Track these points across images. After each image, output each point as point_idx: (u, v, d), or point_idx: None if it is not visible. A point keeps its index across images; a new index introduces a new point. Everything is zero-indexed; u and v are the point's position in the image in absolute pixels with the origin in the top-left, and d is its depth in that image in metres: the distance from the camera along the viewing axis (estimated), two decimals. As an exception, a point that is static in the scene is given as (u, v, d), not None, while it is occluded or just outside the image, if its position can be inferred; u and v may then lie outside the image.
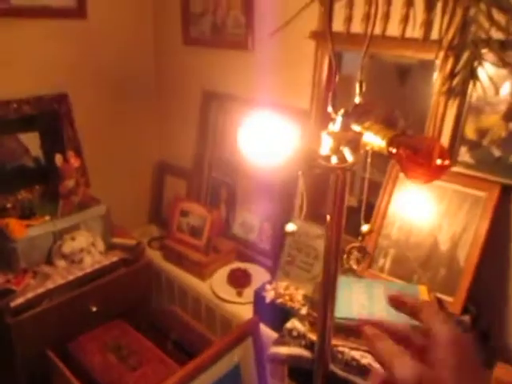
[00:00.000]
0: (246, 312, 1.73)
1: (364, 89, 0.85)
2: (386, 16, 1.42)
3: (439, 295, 1.37)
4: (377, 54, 1.57)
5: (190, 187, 2.27)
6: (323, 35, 1.58)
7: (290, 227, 0.91)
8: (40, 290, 1.61)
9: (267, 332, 1.60)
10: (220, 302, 1.83)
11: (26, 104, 1.85)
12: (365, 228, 1.00)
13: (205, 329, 1.85)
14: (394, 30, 1.35)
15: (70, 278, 1.68)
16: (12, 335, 1.53)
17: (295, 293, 1.61)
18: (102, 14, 2.05)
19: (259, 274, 1.90)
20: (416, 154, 0.82)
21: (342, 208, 0.82)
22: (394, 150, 0.83)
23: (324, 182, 0.90)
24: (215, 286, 1.88)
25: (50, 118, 1.93)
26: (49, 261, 1.73)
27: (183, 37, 2.18)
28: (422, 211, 1.47)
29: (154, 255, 2.10)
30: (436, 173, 0.83)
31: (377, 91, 1.60)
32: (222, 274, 1.95)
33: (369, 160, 0.94)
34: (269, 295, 1.61)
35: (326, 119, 0.81)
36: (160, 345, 1.67)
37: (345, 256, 1.07)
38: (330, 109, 0.82)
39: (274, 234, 1.96)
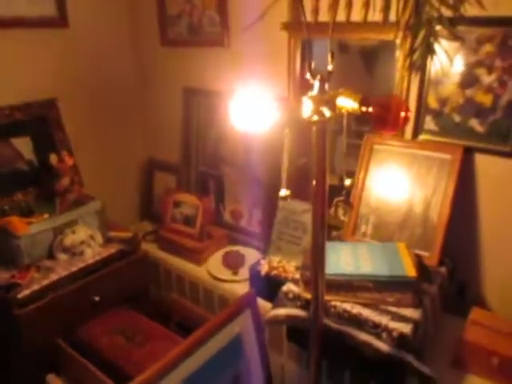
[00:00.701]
0: (242, 289, 1.84)
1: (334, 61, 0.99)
2: (349, 4, 1.58)
3: (417, 251, 1.51)
4: (344, 41, 1.72)
5: (180, 181, 2.38)
6: (294, 25, 1.73)
7: (283, 192, 1.04)
8: (45, 282, 1.69)
9: (263, 304, 1.71)
10: (217, 283, 1.94)
11: (17, 110, 1.94)
12: (347, 182, 1.15)
13: (204, 310, 1.96)
14: (357, 15, 1.52)
15: (73, 269, 1.77)
16: (20, 326, 1.61)
17: (288, 265, 1.73)
18: (83, 22, 2.16)
19: (252, 255, 2.02)
20: (384, 109, 0.97)
21: (324, 156, 0.95)
22: (365, 109, 0.98)
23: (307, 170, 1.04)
24: (211, 268, 1.99)
25: (40, 122, 2.02)
26: (50, 255, 1.81)
27: (161, 38, 2.30)
28: (395, 179, 1.61)
29: (150, 247, 2.20)
30: (401, 123, 0.98)
31: (347, 76, 1.76)
32: (216, 257, 2.06)
33: (345, 122, 1.08)
34: (263, 269, 1.73)
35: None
36: (164, 325, 1.76)
37: (333, 209, 1.20)
38: (308, 75, 0.96)
39: (264, 215, 2.07)
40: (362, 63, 1.81)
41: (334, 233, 1.73)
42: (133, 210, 2.61)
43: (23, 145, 1.98)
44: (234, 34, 2.02)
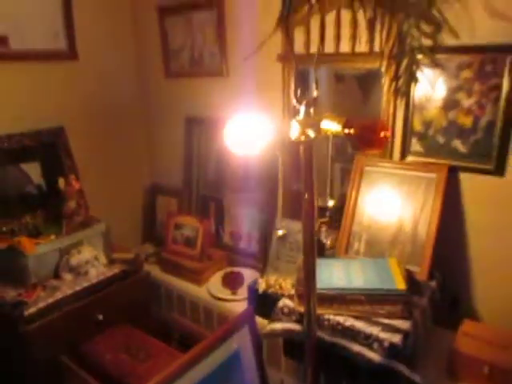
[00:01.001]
0: (241, 308, 1.88)
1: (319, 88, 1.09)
2: (338, 36, 1.70)
3: (408, 266, 1.57)
4: (340, 70, 1.83)
5: (181, 204, 2.47)
6: (287, 57, 1.85)
7: (280, 232, 1.12)
8: (50, 300, 1.76)
9: (261, 321, 1.77)
10: (217, 302, 1.99)
11: (27, 137, 2.05)
12: (330, 203, 1.23)
13: (204, 329, 2.01)
14: (346, 47, 1.64)
15: (78, 288, 1.84)
16: (26, 342, 1.67)
17: (284, 283, 1.79)
18: (91, 55, 2.30)
19: (251, 275, 2.08)
20: (364, 130, 1.07)
21: (311, 173, 1.04)
22: (347, 131, 1.07)
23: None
24: (211, 288, 2.05)
25: (49, 148, 2.13)
26: (56, 275, 1.89)
27: (165, 71, 2.45)
28: (385, 198, 1.69)
29: (152, 269, 2.26)
30: (381, 143, 1.07)
31: (344, 101, 1.87)
32: (216, 278, 2.12)
33: (330, 144, 1.18)
34: (261, 287, 1.79)
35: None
36: (165, 343, 1.81)
37: (316, 230, 1.28)
38: (294, 101, 1.06)
39: (261, 237, 2.15)
40: (358, 89, 1.92)
41: (329, 251, 1.79)
42: (136, 233, 2.69)
43: (32, 169, 2.08)
44: (232, 65, 2.16)
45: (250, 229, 2.25)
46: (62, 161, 2.16)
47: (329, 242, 1.23)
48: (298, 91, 1.08)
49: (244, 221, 2.27)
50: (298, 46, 1.84)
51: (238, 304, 1.94)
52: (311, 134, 1.02)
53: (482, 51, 1.47)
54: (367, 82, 1.83)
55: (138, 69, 2.58)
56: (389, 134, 1.00)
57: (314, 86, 1.09)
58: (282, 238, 1.89)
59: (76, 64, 2.23)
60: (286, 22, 1.84)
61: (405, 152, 1.70)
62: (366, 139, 1.06)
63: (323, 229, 1.26)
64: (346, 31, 1.65)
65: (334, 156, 1.96)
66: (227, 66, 2.16)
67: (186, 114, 2.44)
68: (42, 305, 1.73)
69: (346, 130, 1.04)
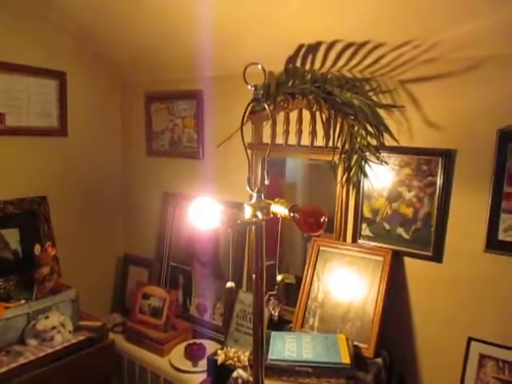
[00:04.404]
0: (201, 380, 1.94)
1: (269, 177, 1.28)
2: (299, 131, 1.95)
3: (356, 343, 1.69)
4: (302, 158, 2.06)
5: (152, 275, 2.56)
6: (256, 146, 2.08)
7: (229, 284, 1.27)
8: (12, 365, 1.78)
9: (219, 394, 1.82)
10: (178, 374, 2.03)
11: (10, 204, 2.18)
12: (279, 278, 1.37)
13: (163, 402, 2.02)
14: (305, 140, 1.89)
15: (41, 354, 1.87)
16: (-16, 409, 1.68)
17: (243, 355, 1.87)
18: (80, 132, 2.52)
19: (213, 347, 2.14)
20: (306, 215, 1.25)
21: (261, 252, 1.20)
22: (292, 214, 1.25)
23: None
24: (173, 360, 2.10)
25: (29, 216, 2.25)
26: (21, 341, 1.92)
27: (147, 149, 2.66)
28: (338, 276, 1.84)
29: (117, 338, 2.30)
30: (321, 226, 1.25)
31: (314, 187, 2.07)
32: (179, 349, 2.17)
33: (280, 225, 1.35)
34: (220, 358, 1.86)
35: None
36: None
37: (265, 302, 1.41)
38: (247, 188, 1.24)
39: (225, 310, 2.24)
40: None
41: (288, 325, 1.90)
42: (106, 302, 2.74)
43: (11, 235, 2.19)
44: (208, 149, 2.38)
45: (215, 301, 2.35)
46: (40, 228, 2.27)
47: (276, 314, 1.33)
48: (252, 179, 1.27)
49: (210, 293, 2.37)
50: (266, 138, 2.10)
51: (199, 376, 1.99)
52: (259, 215, 1.19)
53: (418, 153, 1.71)
54: (324, 173, 2.05)
55: (123, 146, 2.80)
56: (326, 219, 1.18)
57: (265, 175, 1.27)
58: (231, 290, 1.97)
59: (65, 140, 2.43)
60: (254, 118, 2.10)
61: (356, 235, 1.89)
62: (308, 223, 1.23)
63: (271, 301, 1.39)
64: (306, 127, 1.91)
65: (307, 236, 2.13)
66: (203, 150, 2.38)
67: (163, 189, 2.62)
68: (3, 370, 1.75)
69: (292, 214, 1.22)
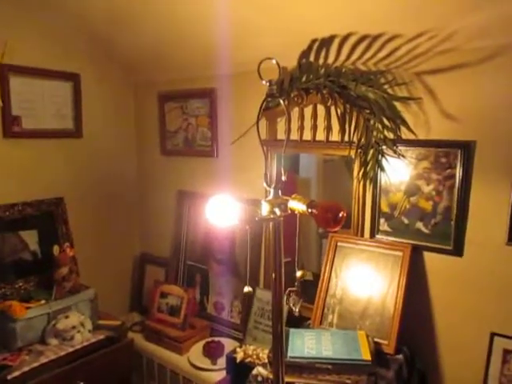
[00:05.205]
0: (220, 377, 1.94)
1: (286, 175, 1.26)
2: (314, 127, 1.94)
3: (377, 339, 1.66)
4: (315, 153, 2.05)
5: (168, 274, 2.57)
6: (270, 142, 2.07)
7: (246, 289, 1.26)
8: (34, 365, 1.81)
9: (239, 392, 1.81)
10: (197, 372, 2.04)
11: (29, 206, 2.21)
12: (298, 274, 1.36)
13: (183, 400, 2.03)
14: (320, 136, 1.87)
15: (62, 353, 1.89)
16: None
17: (262, 352, 1.86)
18: (95, 134, 2.54)
19: (232, 345, 2.14)
20: (325, 211, 1.23)
21: (280, 249, 1.19)
22: (310, 210, 1.24)
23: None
24: (192, 358, 2.11)
25: (47, 217, 2.28)
26: (42, 340, 1.95)
27: (161, 149, 2.67)
28: (357, 272, 1.82)
29: (136, 337, 2.32)
30: (339, 222, 1.23)
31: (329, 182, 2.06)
32: (198, 347, 2.18)
33: (298, 220, 1.34)
34: (238, 356, 1.86)
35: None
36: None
37: (285, 298, 1.40)
38: (264, 184, 1.23)
39: (243, 308, 2.24)
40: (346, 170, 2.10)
41: (307, 322, 1.89)
42: (124, 301, 2.76)
43: (30, 237, 2.22)
44: (222, 147, 2.38)
45: (232, 299, 2.35)
46: (58, 229, 2.30)
47: (297, 309, 1.33)
48: (268, 175, 1.25)
49: (228, 291, 2.37)
50: (280, 134, 2.09)
51: (218, 374, 1.99)
52: (277, 212, 1.18)
53: (436, 145, 1.68)
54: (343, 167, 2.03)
55: (137, 146, 2.82)
56: (345, 215, 1.16)
57: (282, 171, 1.26)
58: (248, 294, 1.98)
59: (80, 141, 2.45)
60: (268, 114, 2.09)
61: (374, 231, 1.86)
62: (327, 218, 1.22)
63: (291, 297, 1.38)
64: (321, 122, 1.90)
65: (322, 233, 2.12)
66: (217, 148, 2.38)
67: (178, 188, 2.63)
68: (25, 369, 1.78)
69: (310, 210, 1.20)
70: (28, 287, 2.13)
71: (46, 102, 2.29)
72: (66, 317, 1.95)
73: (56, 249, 2.08)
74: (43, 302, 2.00)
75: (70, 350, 1.93)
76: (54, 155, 2.35)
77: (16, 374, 1.75)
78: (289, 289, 1.35)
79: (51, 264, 2.11)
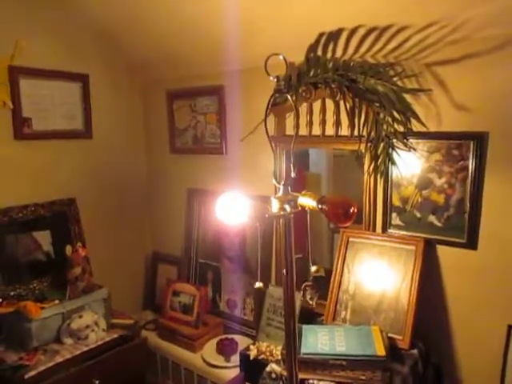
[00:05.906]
0: (234, 375, 1.94)
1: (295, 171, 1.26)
2: (323, 122, 1.92)
3: (391, 334, 1.65)
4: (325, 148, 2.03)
5: (180, 272, 2.58)
6: (279, 138, 2.06)
7: (257, 284, 1.26)
8: (50, 364, 1.83)
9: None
10: (210, 369, 2.04)
11: (42, 207, 2.23)
12: (313, 268, 1.35)
13: (198, 397, 2.04)
14: (329, 131, 1.85)
15: (77, 353, 1.91)
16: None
17: (275, 349, 1.86)
18: (104, 134, 2.55)
19: (245, 342, 2.14)
20: (334, 206, 1.22)
21: (290, 245, 1.18)
22: (321, 206, 1.23)
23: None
24: (206, 355, 2.11)
25: (60, 218, 2.30)
26: (57, 339, 1.97)
27: (170, 147, 2.67)
28: (369, 267, 1.81)
29: (150, 335, 2.33)
30: (350, 217, 1.22)
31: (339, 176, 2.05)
32: (211, 344, 2.19)
33: (308, 216, 1.33)
34: (252, 353, 1.86)
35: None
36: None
37: (301, 293, 1.40)
38: (274, 181, 1.23)
39: (256, 305, 2.23)
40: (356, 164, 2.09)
41: (319, 318, 1.88)
42: (137, 300, 2.78)
43: (43, 237, 2.24)
44: (231, 144, 2.37)
45: (245, 296, 2.35)
46: (70, 229, 2.32)
47: (313, 303, 1.33)
48: (278, 172, 1.25)
49: (240, 289, 2.37)
50: (289, 130, 2.07)
51: (232, 371, 1.99)
52: (287, 208, 1.17)
53: (448, 138, 1.65)
54: (353, 161, 2.01)
55: (147, 145, 2.83)
56: (355, 210, 1.15)
57: (291, 167, 1.25)
58: (260, 290, 1.97)
59: (90, 142, 2.47)
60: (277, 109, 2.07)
61: (386, 225, 1.84)
62: (337, 214, 1.21)
63: (307, 291, 1.38)
64: (330, 116, 1.88)
65: (333, 228, 2.11)
66: (226, 146, 2.38)
67: (188, 186, 2.63)
68: (41, 368, 1.80)
69: (320, 206, 1.19)
70: (42, 287, 2.15)
71: (56, 103, 2.30)
72: (80, 316, 1.97)
73: (69, 249, 2.09)
74: (57, 301, 2.01)
75: (85, 349, 1.94)
76: (64, 156, 2.37)
77: (32, 373, 1.77)
78: (305, 283, 1.35)
79: (64, 264, 2.12)
